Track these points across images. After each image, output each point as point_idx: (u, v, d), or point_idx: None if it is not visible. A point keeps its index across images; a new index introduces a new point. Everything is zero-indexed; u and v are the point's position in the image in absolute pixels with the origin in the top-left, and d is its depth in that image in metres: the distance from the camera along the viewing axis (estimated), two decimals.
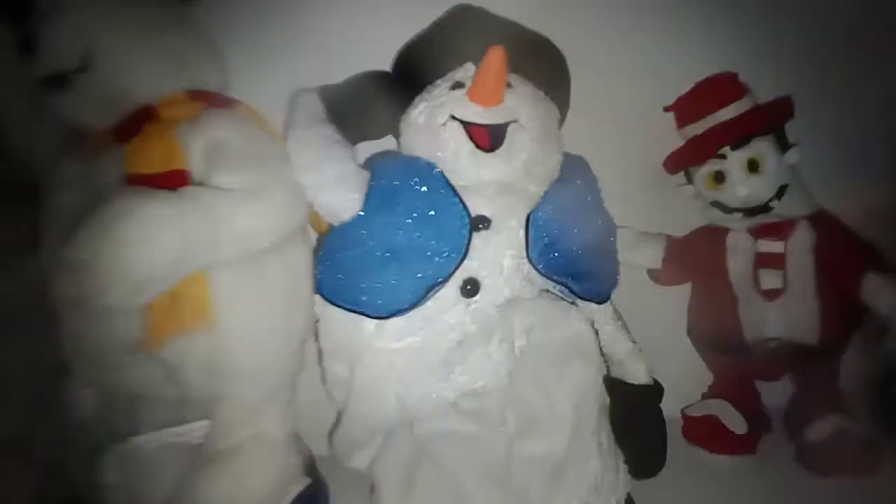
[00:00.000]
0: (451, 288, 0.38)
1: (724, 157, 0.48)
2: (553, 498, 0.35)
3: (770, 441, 0.51)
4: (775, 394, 0.53)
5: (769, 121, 0.48)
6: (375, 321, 0.37)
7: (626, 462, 0.39)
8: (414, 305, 0.37)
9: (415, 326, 0.37)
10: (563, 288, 0.41)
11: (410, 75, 0.43)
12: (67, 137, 0.41)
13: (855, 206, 0.49)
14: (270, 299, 0.41)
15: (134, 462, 0.42)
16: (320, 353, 0.43)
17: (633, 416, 0.41)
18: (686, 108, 0.50)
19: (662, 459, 0.42)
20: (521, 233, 0.39)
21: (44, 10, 0.37)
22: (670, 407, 0.52)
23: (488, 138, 0.39)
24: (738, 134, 0.47)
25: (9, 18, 0.38)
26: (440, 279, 0.37)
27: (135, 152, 0.37)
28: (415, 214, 0.39)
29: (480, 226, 0.39)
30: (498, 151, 0.39)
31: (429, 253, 0.37)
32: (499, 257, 0.39)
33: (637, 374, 0.43)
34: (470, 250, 0.38)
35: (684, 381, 0.55)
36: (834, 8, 0.51)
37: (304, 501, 0.45)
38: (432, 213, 0.39)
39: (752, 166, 0.47)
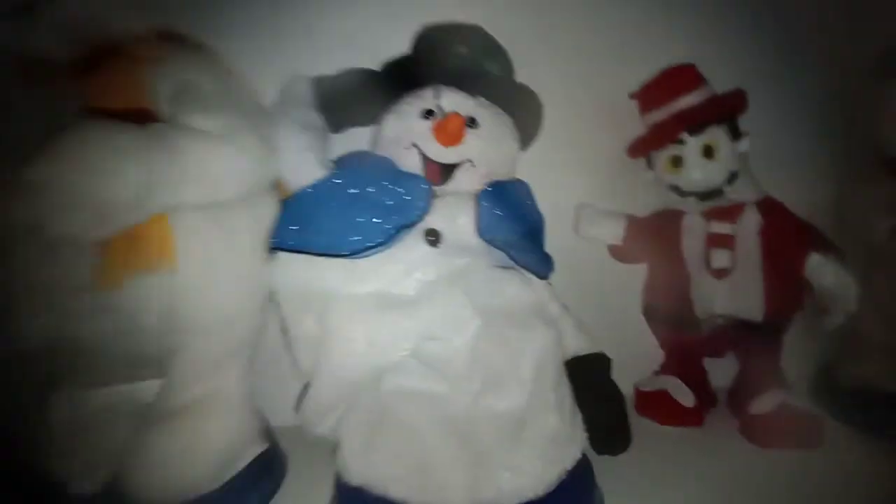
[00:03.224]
0: (415, 237, 0.39)
1: (682, 142, 0.51)
2: (514, 450, 0.36)
3: (716, 416, 0.54)
4: (722, 375, 0.57)
5: (724, 110, 0.51)
6: (345, 267, 0.37)
7: (590, 439, 0.41)
8: (381, 245, 0.38)
9: (382, 270, 0.38)
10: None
11: (390, 83, 0.46)
12: (19, 67, 0.38)
13: (799, 193, 0.53)
14: (236, 250, 0.40)
15: (79, 420, 0.39)
16: (284, 323, 0.42)
17: (588, 385, 0.42)
18: (649, 96, 0.53)
19: (625, 433, 0.43)
20: (472, 202, 0.42)
21: None
22: (624, 385, 0.55)
23: (439, 175, 0.43)
24: (695, 120, 0.50)
25: None
26: (406, 223, 0.39)
27: (98, 87, 0.36)
28: (380, 173, 0.41)
29: (431, 238, 0.40)
30: (444, 186, 0.43)
31: (392, 202, 0.39)
32: (455, 215, 0.41)
33: (584, 347, 0.45)
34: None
35: (637, 360, 0.58)
36: (787, 5, 0.55)
37: (260, 465, 0.44)
38: (396, 175, 0.41)
39: (707, 152, 0.50)
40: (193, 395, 0.40)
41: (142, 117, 0.35)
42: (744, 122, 0.53)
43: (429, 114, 0.44)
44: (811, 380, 0.55)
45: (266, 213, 0.42)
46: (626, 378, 0.55)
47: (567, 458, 0.38)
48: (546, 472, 0.36)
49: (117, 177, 0.31)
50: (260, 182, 0.41)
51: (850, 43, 0.55)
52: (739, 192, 0.51)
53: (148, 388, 0.41)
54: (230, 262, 0.39)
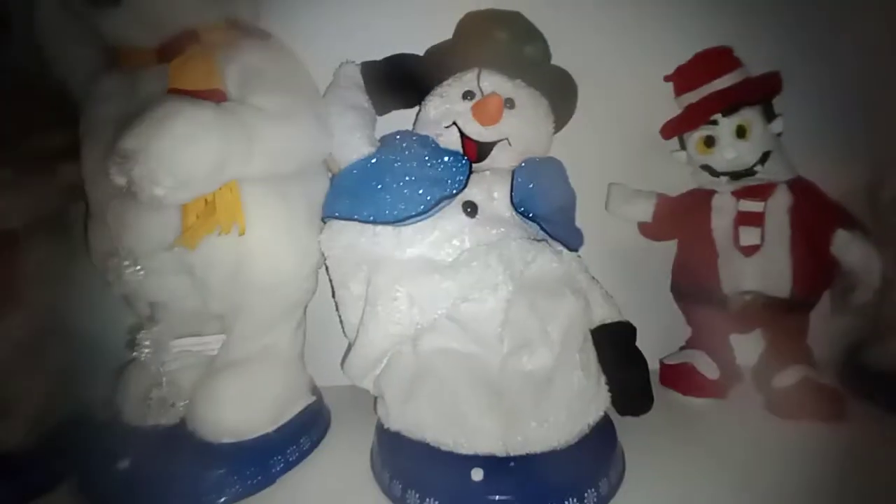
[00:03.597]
0: (454, 208, 0.43)
1: (715, 123, 0.52)
2: (541, 403, 0.39)
3: (741, 392, 0.55)
4: (749, 354, 0.58)
5: (758, 92, 0.52)
6: (391, 233, 0.41)
7: (613, 401, 0.43)
8: (423, 214, 0.41)
9: (423, 237, 0.42)
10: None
11: (433, 68, 0.49)
12: (108, 55, 0.44)
13: (832, 174, 0.53)
14: (293, 220, 0.44)
15: (149, 372, 0.45)
16: (334, 285, 0.46)
17: (613, 350, 0.44)
18: (684, 78, 0.54)
19: (647, 395, 0.44)
20: (508, 178, 0.44)
21: None
22: (651, 360, 0.56)
23: (476, 153, 0.45)
24: (729, 101, 0.51)
25: None
26: (446, 194, 0.42)
27: (178, 70, 0.40)
28: (422, 150, 0.45)
29: (468, 210, 0.43)
30: (482, 162, 0.46)
31: (433, 175, 0.43)
32: (491, 189, 0.44)
33: (610, 315, 0.47)
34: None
35: (665, 336, 0.59)
36: None
37: (309, 415, 0.49)
38: (436, 152, 0.45)
39: (740, 132, 0.51)
40: (253, 348, 0.45)
41: (215, 96, 0.39)
42: (781, 103, 0.53)
43: (469, 95, 0.46)
44: (839, 359, 0.56)
45: (320, 186, 0.47)
46: (654, 354, 0.58)
47: (590, 414, 0.41)
48: (570, 424, 0.39)
49: (199, 146, 0.35)
50: (315, 157, 0.46)
51: (886, 27, 0.54)
52: (771, 172, 0.52)
53: (212, 342, 0.47)
54: (289, 229, 0.44)
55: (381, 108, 0.50)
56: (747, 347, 0.57)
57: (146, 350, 0.44)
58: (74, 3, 0.40)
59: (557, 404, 0.39)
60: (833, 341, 0.56)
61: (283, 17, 0.47)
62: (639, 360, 0.45)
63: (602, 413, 0.42)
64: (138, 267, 0.39)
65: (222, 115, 0.37)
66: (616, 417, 0.44)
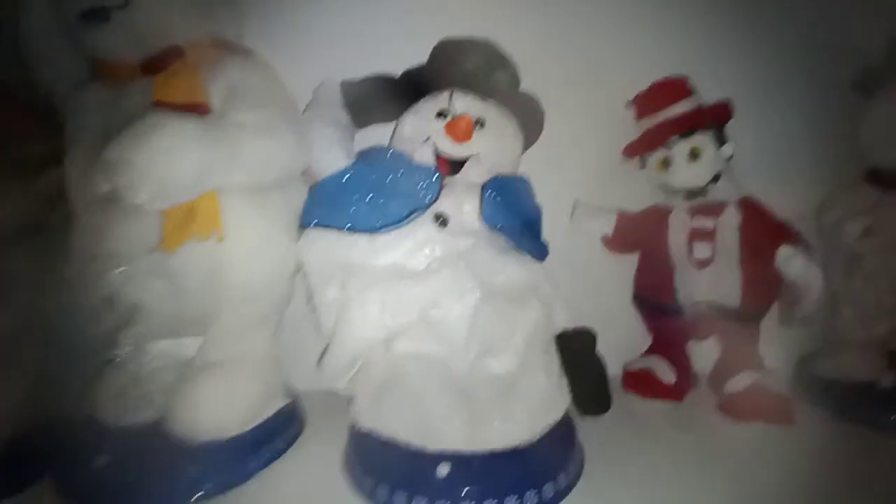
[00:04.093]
0: (426, 219, 0.45)
1: (670, 146, 0.56)
2: (505, 403, 0.41)
3: (697, 396, 0.58)
4: (706, 361, 0.61)
5: (710, 118, 0.56)
6: (366, 241, 0.44)
7: (574, 402, 0.46)
8: (396, 224, 0.44)
9: (396, 246, 0.44)
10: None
11: (409, 88, 0.52)
12: (93, 66, 0.45)
13: (786, 197, 0.57)
14: (271, 228, 0.46)
15: (127, 371, 0.46)
16: (310, 291, 0.48)
17: (574, 354, 0.47)
18: (642, 105, 0.59)
19: (605, 397, 0.47)
20: (477, 192, 0.47)
21: None
22: (614, 366, 0.60)
23: (448, 168, 0.48)
24: (683, 127, 0.56)
25: None
26: (419, 206, 0.45)
27: (163, 83, 0.42)
28: (397, 165, 0.47)
29: (439, 221, 0.46)
30: (453, 177, 0.48)
31: (407, 188, 0.45)
32: (461, 202, 0.47)
33: (571, 322, 0.49)
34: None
35: (627, 344, 0.63)
36: (770, 21, 0.60)
37: (284, 416, 0.50)
38: (410, 167, 0.47)
39: (693, 155, 0.56)
40: (229, 351, 0.47)
41: (198, 109, 0.42)
42: (736, 129, 0.57)
43: (442, 114, 0.49)
44: (792, 368, 0.60)
45: (298, 196, 0.48)
46: (618, 360, 0.61)
47: (551, 414, 0.43)
48: (532, 423, 0.41)
49: (180, 157, 0.37)
50: (294, 169, 0.48)
51: (833, 59, 0.59)
52: (722, 192, 0.56)
53: (189, 345, 0.48)
54: (266, 236, 0.45)
55: (360, 123, 0.52)
56: (703, 354, 0.60)
57: (127, 349, 0.45)
58: (65, 16, 0.42)
59: (521, 404, 0.41)
60: (786, 350, 0.60)
61: (265, 36, 0.49)
62: (597, 363, 0.48)
63: (562, 413, 0.44)
64: (120, 269, 0.40)
65: (205, 128, 0.39)
66: (579, 418, 0.47)
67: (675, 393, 0.56)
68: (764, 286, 0.55)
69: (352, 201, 0.45)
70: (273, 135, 0.44)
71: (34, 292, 0.48)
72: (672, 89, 0.57)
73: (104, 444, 0.43)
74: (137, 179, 0.36)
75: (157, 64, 0.43)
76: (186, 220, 0.40)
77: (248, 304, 0.46)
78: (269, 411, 0.48)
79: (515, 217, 0.48)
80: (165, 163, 0.37)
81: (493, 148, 0.50)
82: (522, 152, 0.54)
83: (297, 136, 0.46)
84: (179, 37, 0.44)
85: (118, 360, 0.46)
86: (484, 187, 0.48)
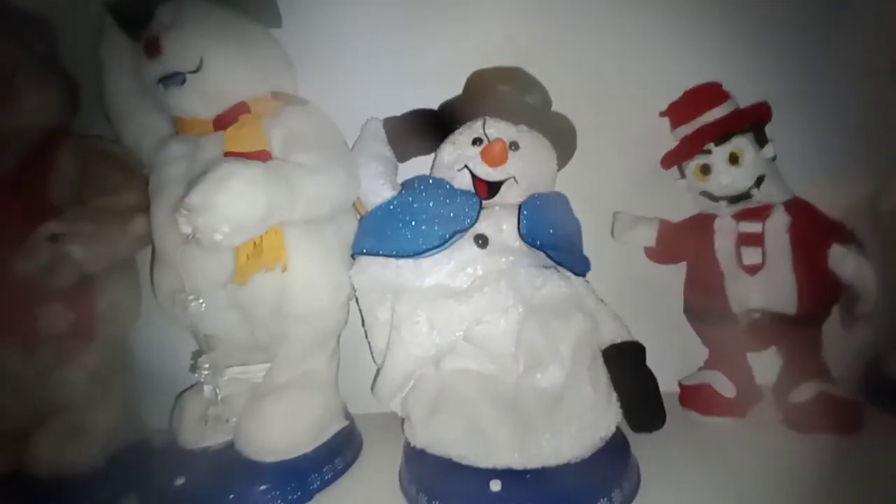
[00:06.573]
0: (468, 241, 0.48)
1: (709, 152, 0.56)
2: (554, 417, 0.42)
3: (759, 409, 0.56)
4: (768, 372, 0.59)
5: (747, 121, 0.55)
6: (412, 265, 0.47)
7: (626, 418, 0.46)
8: (439, 247, 0.47)
9: (440, 267, 0.47)
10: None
11: (445, 120, 0.55)
12: (174, 125, 0.52)
13: (831, 193, 0.55)
14: (328, 256, 0.50)
15: (207, 391, 0.50)
16: (363, 314, 0.51)
17: (623, 368, 0.47)
18: (677, 113, 0.59)
19: (658, 410, 0.47)
20: (515, 212, 0.49)
21: (166, 23, 0.46)
22: (670, 382, 0.59)
23: (486, 191, 0.51)
24: (720, 132, 0.55)
25: (132, 30, 0.48)
26: (460, 229, 0.47)
27: (232, 136, 0.47)
28: (437, 191, 0.50)
29: (480, 242, 0.48)
30: (491, 199, 0.51)
31: (448, 213, 0.48)
32: (500, 223, 0.49)
33: (619, 335, 0.50)
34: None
35: (682, 358, 0.61)
36: (806, 19, 0.59)
37: (343, 437, 0.53)
38: (450, 192, 0.50)
39: (733, 159, 0.55)
40: (294, 374, 0.50)
41: (263, 156, 0.46)
42: (777, 129, 0.57)
43: (478, 141, 0.52)
44: (860, 371, 0.56)
45: (350, 226, 0.53)
46: (674, 376, 0.59)
47: (601, 429, 0.43)
48: (582, 436, 0.42)
49: (251, 199, 0.42)
50: (346, 202, 0.52)
51: (869, 48, 0.58)
52: (768, 195, 0.55)
53: (258, 370, 0.52)
54: (324, 265, 0.49)
55: (402, 157, 0.57)
56: (765, 365, 0.58)
57: (205, 372, 0.50)
58: (145, 82, 0.48)
59: (569, 418, 0.42)
60: (851, 354, 0.57)
61: (316, 86, 0.55)
62: (647, 377, 0.48)
63: (613, 428, 0.44)
64: (201, 300, 0.45)
65: (269, 172, 0.44)
66: (634, 435, 0.47)
67: (736, 408, 0.54)
68: (820, 288, 0.53)
69: (397, 228, 0.48)
70: (327, 173, 0.48)
71: (124, 326, 0.55)
72: (706, 95, 0.57)
73: (183, 465, 0.47)
74: (216, 221, 0.40)
75: (226, 118, 0.49)
76: (255, 254, 0.45)
77: (309, 328, 0.50)
78: (330, 432, 0.52)
79: (554, 233, 0.50)
80: (239, 205, 0.41)
81: (528, 169, 0.52)
82: (558, 170, 0.56)
83: (347, 172, 0.51)
84: (244, 93, 0.49)
85: (199, 381, 0.50)
86: (521, 206, 0.50)
